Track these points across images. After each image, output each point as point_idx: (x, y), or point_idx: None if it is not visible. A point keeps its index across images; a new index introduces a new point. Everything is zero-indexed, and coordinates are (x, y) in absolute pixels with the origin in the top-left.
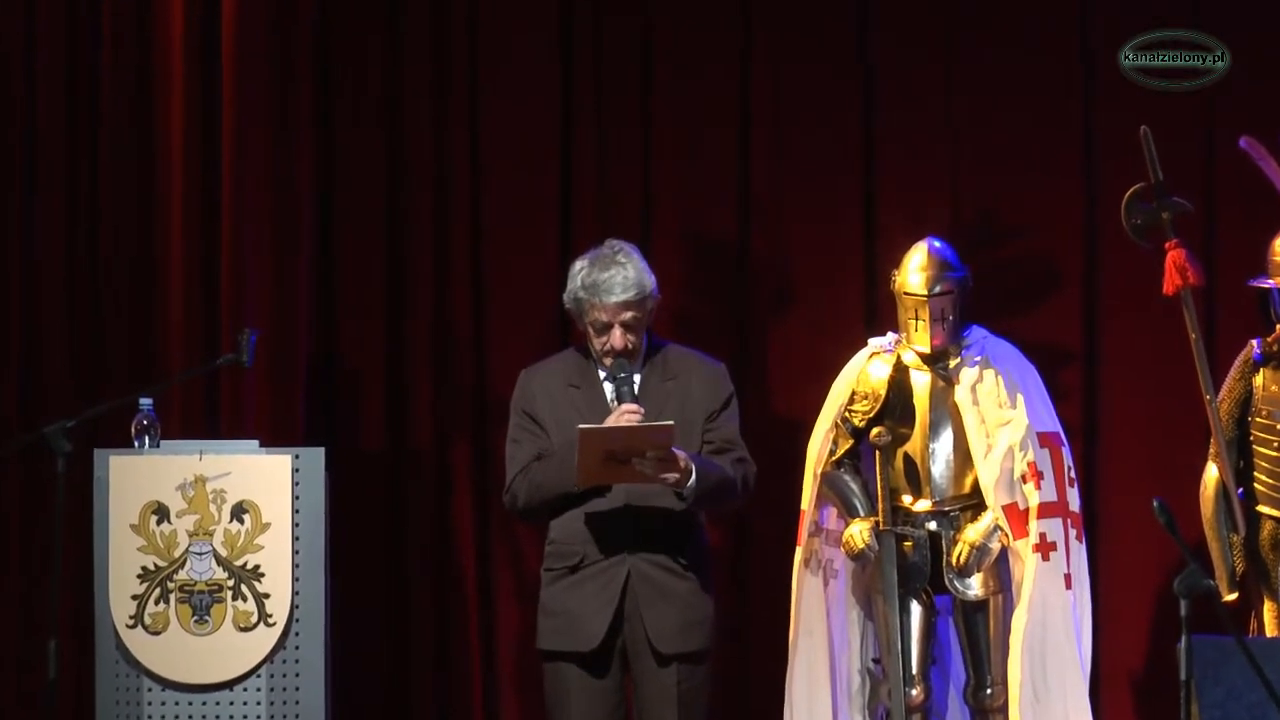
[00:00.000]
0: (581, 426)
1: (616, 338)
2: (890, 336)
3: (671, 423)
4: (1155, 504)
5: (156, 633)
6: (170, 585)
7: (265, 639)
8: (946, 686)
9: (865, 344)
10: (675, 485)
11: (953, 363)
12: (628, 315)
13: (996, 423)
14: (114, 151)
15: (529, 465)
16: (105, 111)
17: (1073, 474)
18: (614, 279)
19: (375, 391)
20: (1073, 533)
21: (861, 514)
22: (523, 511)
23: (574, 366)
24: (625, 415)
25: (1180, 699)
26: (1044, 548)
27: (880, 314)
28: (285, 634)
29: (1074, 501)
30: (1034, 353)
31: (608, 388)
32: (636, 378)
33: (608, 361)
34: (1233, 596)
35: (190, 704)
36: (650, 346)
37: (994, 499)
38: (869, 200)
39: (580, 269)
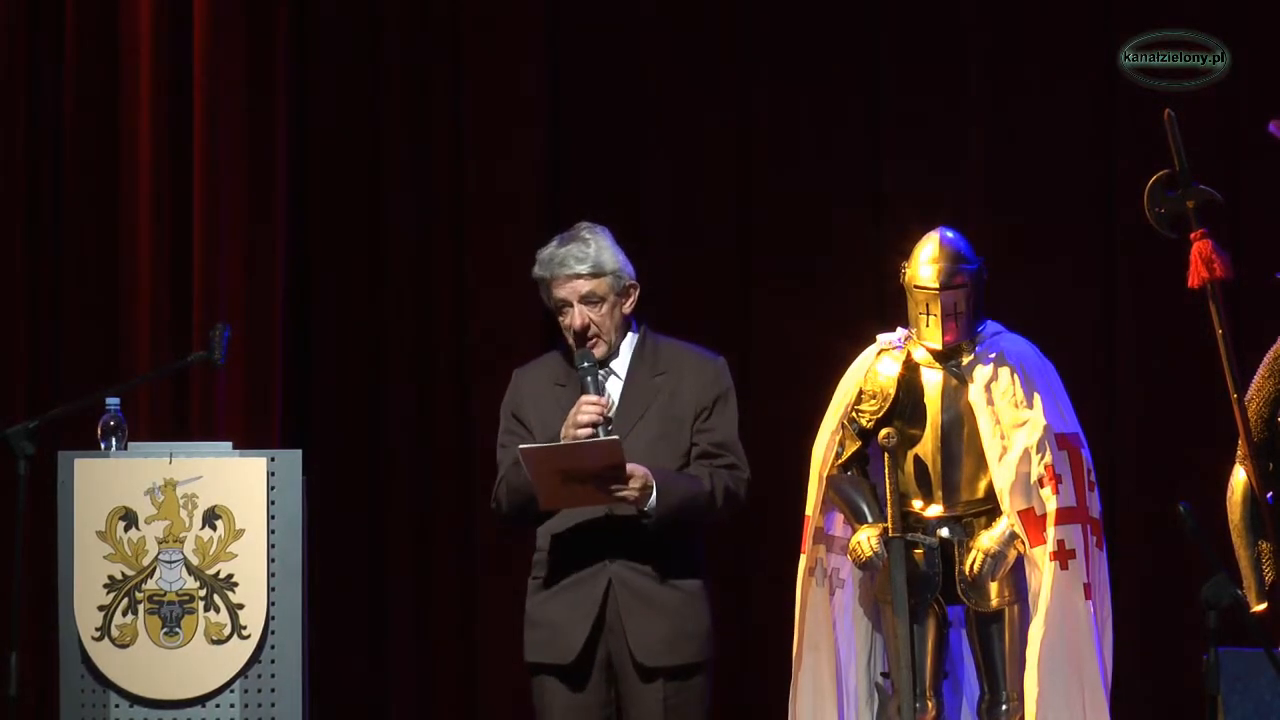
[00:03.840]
0: (522, 446)
1: (576, 316)
2: (900, 332)
3: (616, 437)
4: (1181, 509)
5: (124, 645)
6: (138, 595)
7: (239, 652)
8: (959, 702)
9: (873, 340)
10: (634, 504)
11: (966, 360)
12: (586, 290)
13: (1012, 423)
14: (78, 137)
15: (510, 470)
16: (69, 97)
17: (1093, 477)
18: (571, 253)
19: (355, 391)
20: (1093, 539)
21: (869, 520)
22: (505, 518)
23: (560, 365)
24: (585, 407)
25: (1205, 714)
26: (1062, 555)
27: (889, 308)
28: (260, 647)
29: (1094, 506)
30: (1051, 349)
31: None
32: (621, 367)
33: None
34: (1262, 607)
35: None
36: (640, 340)
37: (1009, 504)
38: (877, 187)
39: (544, 249)
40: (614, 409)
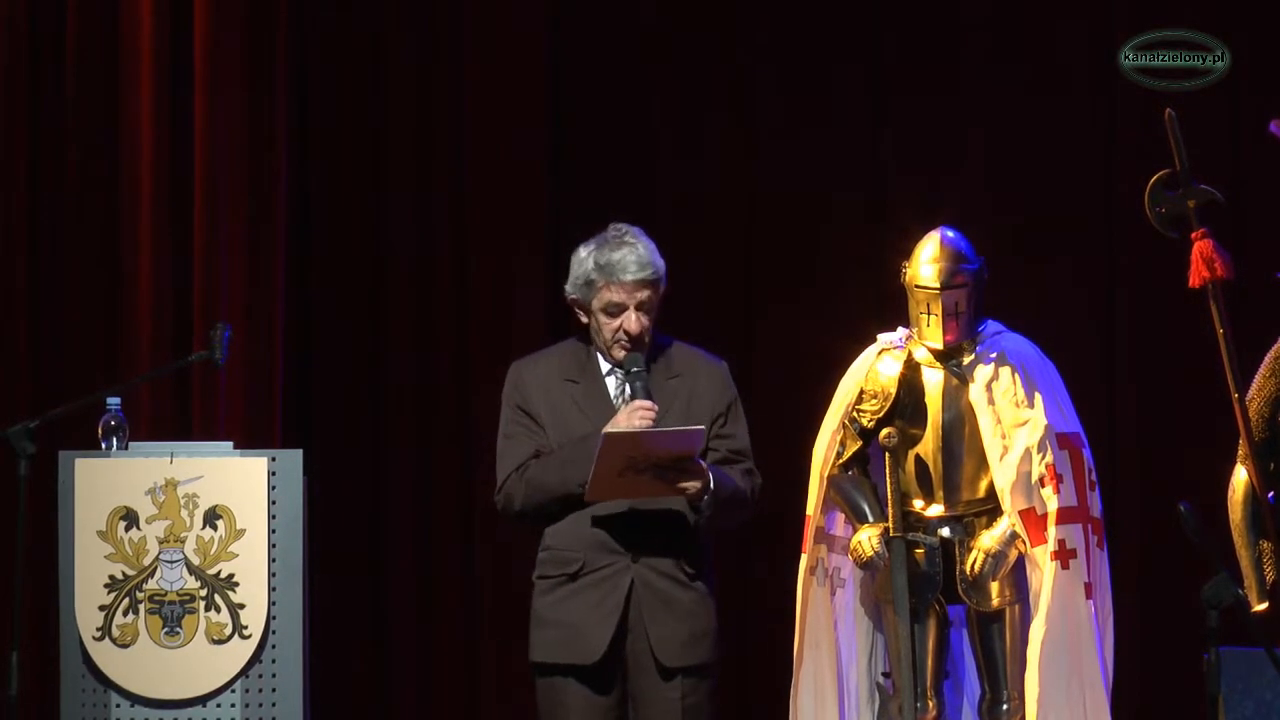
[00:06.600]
0: (607, 431)
1: (632, 321)
2: (901, 332)
3: (702, 427)
4: (1181, 509)
5: (125, 645)
6: (139, 595)
7: (240, 652)
8: (960, 702)
9: (874, 340)
10: (694, 497)
11: (967, 359)
12: (643, 295)
13: (1013, 423)
14: (78, 137)
15: (526, 464)
16: (69, 97)
17: (1094, 477)
18: (628, 258)
19: (356, 390)
20: (1094, 539)
21: (870, 520)
22: (519, 514)
23: (571, 359)
24: (639, 412)
25: (1206, 714)
26: (1063, 555)
27: (889, 308)
28: (261, 647)
29: (1095, 506)
30: (1051, 349)
31: (610, 382)
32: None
33: (618, 353)
34: (1263, 607)
35: None
36: (654, 341)
37: (1010, 504)
38: (877, 187)
39: (587, 254)
40: None
